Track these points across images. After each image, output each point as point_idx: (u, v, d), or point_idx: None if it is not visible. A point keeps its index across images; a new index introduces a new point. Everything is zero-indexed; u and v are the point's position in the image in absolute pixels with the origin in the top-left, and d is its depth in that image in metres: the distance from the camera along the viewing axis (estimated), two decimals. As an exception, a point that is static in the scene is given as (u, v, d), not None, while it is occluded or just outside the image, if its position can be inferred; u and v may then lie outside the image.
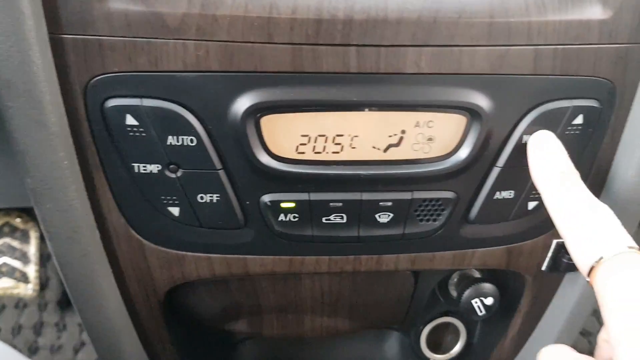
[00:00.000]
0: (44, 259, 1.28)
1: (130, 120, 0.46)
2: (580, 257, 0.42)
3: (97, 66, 0.44)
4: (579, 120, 0.50)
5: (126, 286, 0.56)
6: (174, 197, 0.50)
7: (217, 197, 0.50)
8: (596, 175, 0.55)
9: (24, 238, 1.29)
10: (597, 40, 0.48)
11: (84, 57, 0.44)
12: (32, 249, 1.28)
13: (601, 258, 0.40)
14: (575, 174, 0.46)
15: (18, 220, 1.29)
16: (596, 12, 0.47)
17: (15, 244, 1.28)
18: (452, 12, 0.45)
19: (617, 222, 0.42)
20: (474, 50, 0.46)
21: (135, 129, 0.46)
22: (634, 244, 0.40)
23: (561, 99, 0.49)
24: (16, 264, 1.26)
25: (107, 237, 0.52)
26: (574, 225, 0.43)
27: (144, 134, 0.46)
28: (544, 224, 0.57)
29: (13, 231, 1.29)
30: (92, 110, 0.46)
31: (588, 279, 0.41)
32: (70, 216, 0.48)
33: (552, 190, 0.45)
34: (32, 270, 1.27)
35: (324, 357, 0.78)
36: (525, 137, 0.50)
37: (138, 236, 0.53)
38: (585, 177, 0.55)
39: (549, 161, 0.47)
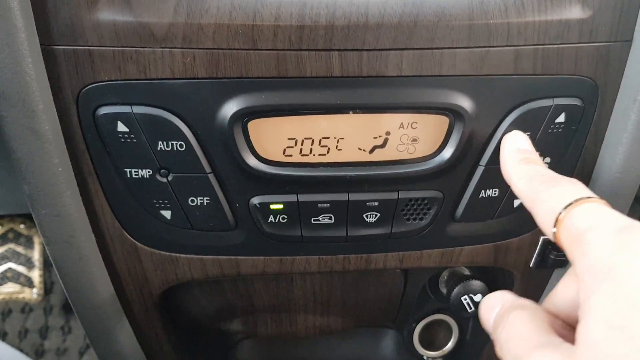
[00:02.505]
0: (48, 264, 1.30)
1: (121, 127, 0.47)
2: (541, 220, 0.40)
3: (88, 75, 0.45)
4: (561, 118, 0.51)
5: (122, 288, 0.57)
6: (166, 201, 0.51)
7: (207, 200, 0.51)
8: (581, 172, 0.56)
9: (28, 244, 1.31)
10: (578, 39, 0.48)
11: (75, 67, 0.45)
12: (36, 254, 1.30)
13: (560, 214, 0.37)
14: (535, 153, 0.47)
15: (22, 226, 1.31)
16: (576, 12, 0.48)
17: (20, 249, 1.30)
18: (432, 15, 0.46)
19: (575, 182, 0.41)
20: (454, 52, 0.47)
21: (126, 136, 0.47)
22: (593, 195, 0.39)
23: (543, 98, 0.50)
24: (21, 269, 1.28)
25: (103, 240, 0.54)
26: (532, 191, 0.42)
27: (135, 140, 0.47)
28: (530, 222, 0.56)
29: (17, 237, 1.31)
30: (85, 118, 0.47)
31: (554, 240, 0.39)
32: (66, 221, 0.50)
33: (514, 166, 0.46)
34: (36, 275, 1.28)
35: (319, 356, 0.79)
36: None
37: (132, 239, 0.54)
38: (569, 174, 0.55)
39: (510, 146, 0.48)
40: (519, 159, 0.46)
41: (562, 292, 0.42)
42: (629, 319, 0.30)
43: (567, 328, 0.41)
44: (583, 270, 0.34)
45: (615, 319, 0.30)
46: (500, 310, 0.40)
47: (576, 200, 0.37)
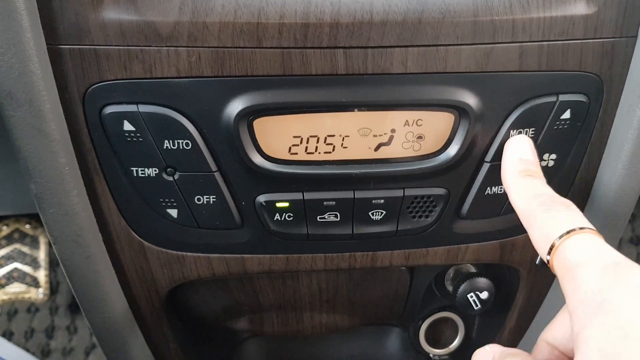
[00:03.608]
0: (53, 264, 1.30)
1: (127, 126, 0.47)
2: (536, 243, 0.42)
3: (94, 75, 0.46)
4: (566, 115, 0.51)
5: (129, 287, 0.57)
6: (172, 200, 0.51)
7: (213, 198, 0.51)
8: (586, 168, 0.56)
9: (34, 244, 1.31)
10: (583, 35, 0.48)
11: (81, 66, 0.45)
12: (42, 254, 1.30)
13: (554, 244, 0.40)
14: (536, 164, 0.48)
15: (28, 226, 1.32)
16: (580, 8, 0.47)
17: (26, 249, 1.30)
18: (437, 12, 0.46)
19: (569, 206, 0.43)
20: (459, 49, 0.47)
21: (132, 134, 0.48)
22: (589, 225, 0.41)
23: (548, 94, 0.50)
24: (27, 269, 1.29)
25: (110, 239, 0.54)
26: (531, 213, 0.44)
27: (141, 139, 0.48)
28: None
29: (23, 237, 1.31)
30: (91, 117, 0.47)
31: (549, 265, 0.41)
32: (73, 220, 0.50)
33: (513, 179, 0.47)
34: (42, 275, 1.29)
35: (325, 354, 0.79)
36: (513, 133, 0.51)
37: (139, 238, 0.54)
38: (575, 171, 0.55)
39: (512, 155, 0.49)
40: (519, 170, 0.47)
41: (560, 324, 0.44)
42: (622, 347, 0.32)
43: (564, 359, 0.44)
44: (575, 304, 0.36)
45: (608, 348, 0.32)
46: None
47: (570, 231, 0.40)
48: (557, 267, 0.39)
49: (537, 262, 0.59)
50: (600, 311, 0.34)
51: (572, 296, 0.37)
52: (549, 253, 0.40)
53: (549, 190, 0.45)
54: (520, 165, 0.48)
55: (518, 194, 0.46)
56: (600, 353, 0.33)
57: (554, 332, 0.44)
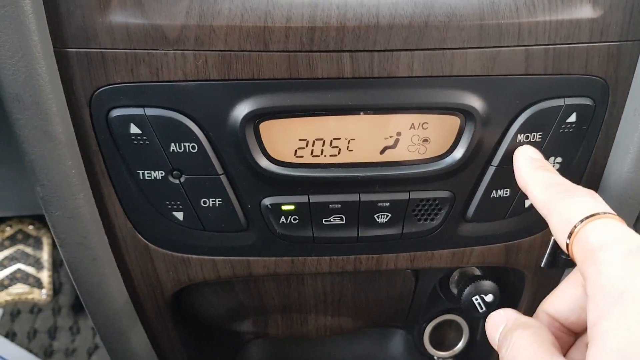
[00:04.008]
0: (56, 264, 1.31)
1: (134, 129, 0.47)
2: (556, 229, 0.41)
3: (101, 78, 0.46)
4: (572, 118, 0.51)
5: (134, 289, 0.57)
6: (178, 202, 0.51)
7: (219, 201, 0.51)
8: (592, 171, 0.56)
9: (37, 245, 1.32)
10: (588, 39, 0.48)
11: (88, 70, 0.45)
12: (45, 255, 1.31)
13: (575, 227, 0.38)
14: (547, 162, 0.48)
15: (31, 227, 1.32)
16: (586, 12, 0.48)
17: (29, 250, 1.31)
18: (443, 15, 0.46)
19: (592, 194, 0.42)
20: (465, 53, 0.47)
21: (139, 138, 0.48)
22: (612, 211, 0.39)
23: (554, 97, 0.50)
24: (30, 270, 1.29)
25: (115, 241, 0.54)
26: (549, 200, 0.43)
27: (147, 142, 0.48)
28: (541, 221, 0.56)
29: (26, 238, 1.32)
30: (98, 121, 0.47)
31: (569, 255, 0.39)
32: (79, 222, 0.50)
33: (530, 173, 0.47)
34: (45, 275, 1.29)
35: (329, 355, 0.79)
36: (519, 137, 0.51)
37: (145, 240, 0.54)
38: (581, 174, 0.55)
39: (523, 156, 0.49)
40: (535, 167, 0.47)
41: (562, 295, 0.43)
42: None
43: (564, 331, 0.42)
44: (594, 289, 0.35)
45: (628, 349, 0.31)
46: (504, 329, 0.41)
47: (593, 215, 0.38)
48: (577, 251, 0.37)
49: (542, 265, 0.59)
50: (621, 301, 0.32)
51: (593, 281, 0.35)
52: (569, 237, 0.38)
53: (567, 181, 0.44)
54: (535, 163, 0.48)
55: (537, 185, 0.45)
56: (619, 353, 0.31)
57: (556, 303, 0.43)
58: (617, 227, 0.37)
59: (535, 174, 0.46)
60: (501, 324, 0.41)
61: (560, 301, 0.43)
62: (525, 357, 0.37)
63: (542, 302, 0.44)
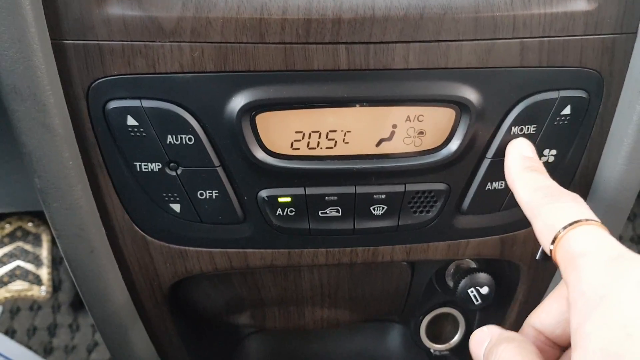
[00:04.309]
0: (56, 261, 1.31)
1: (131, 121, 0.48)
2: (540, 234, 0.41)
3: (98, 70, 0.46)
4: (567, 110, 0.51)
5: (132, 281, 0.58)
6: (175, 194, 0.51)
7: (216, 193, 0.51)
8: (586, 164, 0.56)
9: (37, 241, 1.32)
10: (583, 31, 0.49)
11: (85, 62, 0.46)
12: (45, 252, 1.31)
13: (558, 233, 0.39)
14: (538, 161, 0.48)
15: (30, 224, 1.32)
16: (581, 4, 0.48)
17: (28, 247, 1.31)
18: (438, 8, 0.46)
19: (576, 198, 0.42)
20: (460, 45, 0.47)
21: (135, 129, 0.48)
22: (594, 217, 0.40)
23: (549, 90, 0.50)
24: (29, 266, 1.29)
25: (113, 233, 0.54)
26: (535, 205, 0.43)
27: (144, 134, 0.48)
28: None
29: (26, 235, 1.32)
30: (95, 112, 0.48)
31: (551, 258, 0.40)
32: (77, 214, 0.50)
33: (518, 173, 0.47)
34: (45, 272, 1.29)
35: (327, 349, 0.80)
36: (514, 129, 0.51)
37: (142, 232, 0.55)
38: (575, 167, 0.56)
39: (515, 153, 0.49)
40: (523, 167, 0.47)
41: (548, 309, 0.44)
42: (625, 347, 0.31)
43: (550, 345, 0.43)
44: (576, 295, 0.35)
45: (610, 347, 0.32)
46: (489, 344, 0.42)
47: (576, 222, 0.39)
48: (560, 257, 0.38)
49: (537, 257, 0.60)
50: (602, 305, 0.33)
51: (574, 287, 0.36)
52: (552, 242, 0.39)
53: (554, 183, 0.45)
54: (525, 162, 0.48)
55: (523, 187, 0.45)
56: (601, 353, 0.32)
57: (542, 317, 0.44)
58: (599, 234, 0.38)
59: (523, 174, 0.47)
60: (485, 340, 0.42)
61: (545, 314, 0.43)
62: None
63: (528, 317, 0.45)
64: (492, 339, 0.42)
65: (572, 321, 0.35)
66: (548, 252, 0.40)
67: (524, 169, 0.47)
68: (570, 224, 0.39)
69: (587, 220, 0.39)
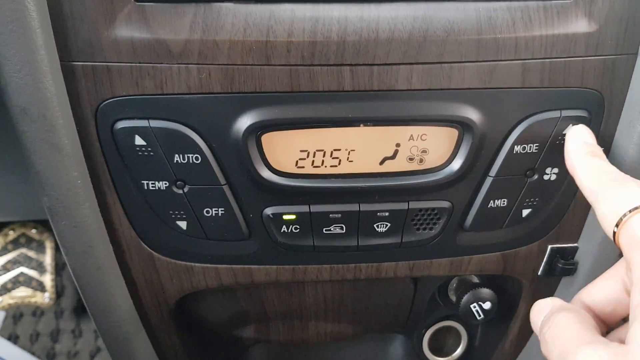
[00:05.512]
0: (59, 268, 1.31)
1: (138, 140, 0.48)
2: (603, 217, 0.41)
3: (106, 91, 0.47)
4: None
5: (138, 296, 0.58)
6: (182, 212, 0.52)
7: (222, 211, 0.52)
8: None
9: (40, 248, 1.32)
10: (584, 52, 0.49)
11: (94, 83, 0.46)
12: (48, 258, 1.31)
13: (623, 216, 0.39)
14: (599, 148, 0.48)
15: (34, 231, 1.33)
16: (582, 26, 0.48)
17: (32, 254, 1.31)
18: (441, 30, 0.47)
19: (636, 182, 0.43)
20: (463, 66, 0.48)
21: (143, 149, 0.49)
22: None
23: (550, 109, 0.51)
24: (33, 273, 1.30)
25: (120, 250, 0.55)
26: (599, 186, 0.43)
27: (152, 153, 0.49)
28: (538, 231, 0.58)
29: (29, 242, 1.32)
30: (103, 132, 0.48)
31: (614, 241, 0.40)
32: (85, 232, 0.51)
33: (580, 158, 0.47)
34: (48, 279, 1.30)
35: None
36: (516, 148, 0.51)
37: (149, 249, 0.55)
38: (577, 185, 0.56)
39: (576, 138, 0.49)
40: (585, 152, 0.47)
41: (602, 286, 0.44)
42: None
43: (597, 322, 0.43)
44: (639, 275, 0.36)
45: None
46: (548, 313, 0.42)
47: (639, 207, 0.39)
48: (624, 240, 0.39)
49: (539, 273, 0.60)
50: None
51: (638, 268, 0.36)
52: (616, 225, 0.40)
53: (616, 169, 0.45)
54: (587, 147, 0.48)
55: (586, 171, 0.45)
56: None
57: (594, 293, 0.44)
58: None
59: (585, 159, 0.47)
60: (546, 309, 0.43)
61: (599, 292, 0.44)
62: (566, 335, 0.39)
63: (579, 292, 0.45)
64: (552, 309, 0.42)
65: (634, 298, 0.36)
66: (610, 235, 0.41)
67: (585, 154, 0.47)
68: (636, 208, 0.39)
69: None
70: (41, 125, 0.45)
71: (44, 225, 1.32)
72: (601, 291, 0.44)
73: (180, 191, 0.51)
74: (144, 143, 0.48)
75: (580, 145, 0.48)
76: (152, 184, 0.50)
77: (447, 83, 0.48)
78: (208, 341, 0.73)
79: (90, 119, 0.48)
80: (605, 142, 0.54)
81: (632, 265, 0.37)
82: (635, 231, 0.38)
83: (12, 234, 1.32)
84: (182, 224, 0.53)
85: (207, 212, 0.52)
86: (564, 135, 0.52)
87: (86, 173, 0.49)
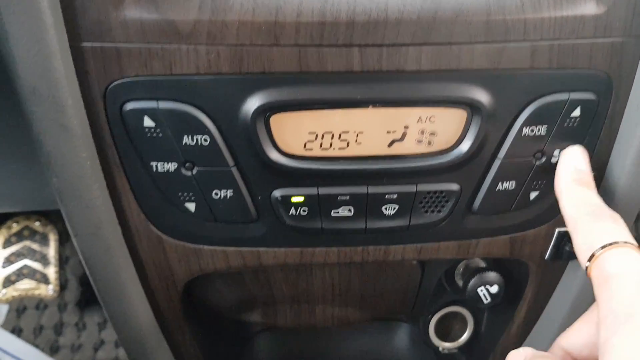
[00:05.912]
0: (63, 260, 1.31)
1: (147, 121, 0.48)
2: (578, 250, 0.44)
3: (115, 72, 0.47)
4: (576, 112, 0.52)
5: (147, 279, 0.58)
6: (190, 194, 0.52)
7: (230, 193, 0.52)
8: (595, 165, 0.56)
9: (44, 241, 1.32)
10: (592, 34, 0.49)
11: (103, 64, 0.46)
12: (52, 251, 1.31)
13: (595, 252, 0.41)
14: (589, 175, 0.50)
15: (37, 223, 1.33)
16: (590, 8, 0.48)
17: (35, 246, 1.31)
18: (451, 11, 0.47)
19: (616, 220, 0.44)
20: (472, 47, 0.48)
21: (152, 130, 0.49)
22: (632, 240, 0.42)
23: (559, 91, 0.51)
24: (36, 265, 1.30)
25: (128, 232, 0.55)
26: (579, 219, 0.45)
27: (160, 135, 0.49)
28: (546, 214, 0.58)
29: (33, 234, 1.32)
30: (112, 113, 0.48)
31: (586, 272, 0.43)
32: (93, 213, 0.51)
33: (567, 186, 0.49)
34: (52, 271, 1.30)
35: (336, 348, 0.80)
36: (525, 130, 0.51)
37: (157, 231, 0.55)
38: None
39: (568, 163, 0.51)
40: (573, 178, 0.49)
41: (578, 331, 0.46)
42: None
43: None
44: (606, 312, 0.38)
45: (634, 358, 0.34)
46: None
47: (612, 243, 0.41)
48: (595, 276, 0.41)
49: (546, 257, 0.60)
50: (630, 321, 0.35)
51: (605, 305, 0.38)
52: (589, 260, 0.42)
53: (599, 202, 0.47)
54: (575, 174, 0.49)
55: (570, 200, 0.47)
56: None
57: (571, 338, 0.46)
58: (632, 257, 0.40)
59: (571, 187, 0.48)
60: (520, 358, 0.44)
61: (575, 336, 0.46)
62: None
63: (558, 338, 0.47)
64: (527, 357, 0.44)
65: (601, 335, 0.37)
66: (584, 268, 0.43)
67: (573, 181, 0.49)
68: (607, 245, 0.41)
69: (624, 242, 0.41)
70: (50, 106, 0.45)
71: (47, 217, 1.33)
72: (577, 335, 0.46)
73: (189, 173, 0.51)
74: (152, 124, 0.48)
75: (569, 172, 0.50)
76: (160, 165, 0.50)
77: (456, 64, 0.48)
78: (215, 326, 0.73)
79: (99, 100, 0.48)
80: (613, 124, 0.54)
81: (599, 302, 0.39)
82: (604, 268, 0.40)
83: (15, 227, 1.32)
84: (191, 206, 0.53)
85: (216, 194, 0.52)
86: (572, 117, 0.52)
87: (95, 154, 0.49)
